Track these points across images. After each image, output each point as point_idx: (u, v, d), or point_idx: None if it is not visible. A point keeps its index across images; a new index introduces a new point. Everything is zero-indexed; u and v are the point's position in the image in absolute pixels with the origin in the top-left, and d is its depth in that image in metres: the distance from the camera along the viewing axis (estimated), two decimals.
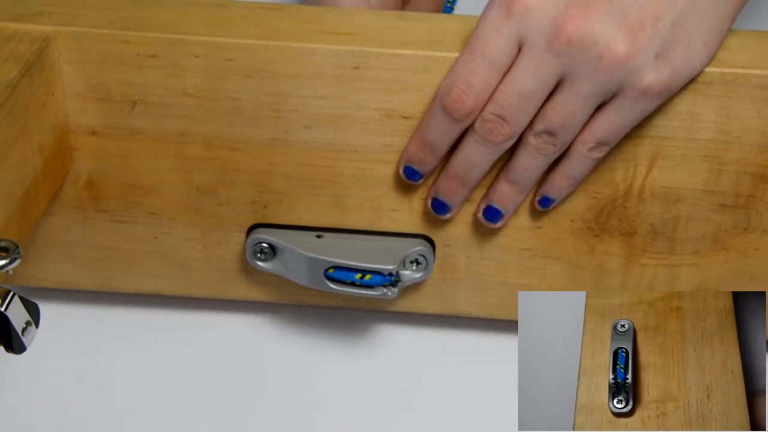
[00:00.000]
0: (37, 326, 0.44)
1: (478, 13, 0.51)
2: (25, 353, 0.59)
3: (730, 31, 0.53)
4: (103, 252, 0.59)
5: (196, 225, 0.58)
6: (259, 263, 0.58)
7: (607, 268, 0.58)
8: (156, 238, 0.59)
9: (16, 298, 0.43)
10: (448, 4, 0.68)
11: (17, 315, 0.43)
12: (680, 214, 0.55)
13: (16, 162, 0.49)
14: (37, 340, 0.56)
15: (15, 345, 0.44)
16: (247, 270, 0.59)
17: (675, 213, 0.55)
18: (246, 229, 0.58)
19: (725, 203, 0.55)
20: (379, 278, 0.55)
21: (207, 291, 0.61)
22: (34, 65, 0.51)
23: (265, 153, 0.55)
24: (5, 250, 0.43)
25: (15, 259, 0.43)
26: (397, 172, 0.55)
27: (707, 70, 0.52)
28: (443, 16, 0.56)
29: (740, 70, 0.52)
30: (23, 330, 0.44)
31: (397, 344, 0.61)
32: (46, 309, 0.61)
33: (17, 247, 0.43)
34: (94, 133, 0.56)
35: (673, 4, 0.49)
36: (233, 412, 0.58)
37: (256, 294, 0.61)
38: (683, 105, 0.52)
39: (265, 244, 0.57)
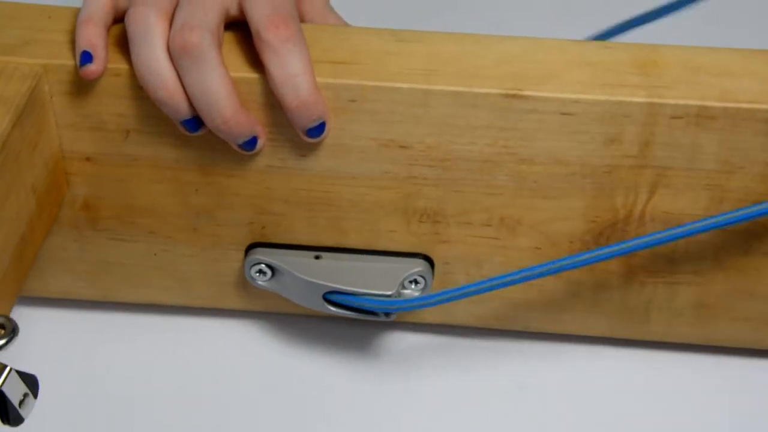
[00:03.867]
0: (35, 396, 0.45)
1: None
2: (24, 358, 0.60)
3: (736, 51, 0.52)
4: (103, 267, 0.59)
5: (195, 243, 0.58)
6: (259, 282, 0.58)
7: (606, 285, 0.57)
8: (155, 254, 0.59)
9: (13, 372, 0.43)
10: None
11: (14, 389, 0.43)
12: None
13: (9, 213, 0.49)
14: (36, 345, 0.57)
15: (12, 418, 0.44)
16: (246, 283, 0.59)
17: None
18: (244, 247, 0.58)
19: (726, 227, 0.54)
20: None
21: (206, 302, 0.61)
22: (24, 110, 0.50)
23: (261, 179, 0.55)
24: (2, 327, 0.43)
25: (12, 337, 0.43)
26: (395, 197, 0.55)
27: (710, 104, 0.51)
28: (440, 36, 0.54)
29: (744, 105, 0.51)
30: (20, 402, 0.44)
31: (396, 351, 0.62)
32: (45, 315, 0.62)
33: (13, 324, 0.43)
34: (88, 159, 0.55)
35: None
36: (231, 419, 0.58)
37: (255, 305, 0.61)
38: (686, 137, 0.52)
39: (263, 265, 0.57)
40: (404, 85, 0.51)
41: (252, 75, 0.52)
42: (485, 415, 0.59)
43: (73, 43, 0.53)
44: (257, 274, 0.57)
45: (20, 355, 0.59)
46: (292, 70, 0.50)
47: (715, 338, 0.60)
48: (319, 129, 0.52)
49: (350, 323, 0.62)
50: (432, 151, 0.53)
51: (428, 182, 0.54)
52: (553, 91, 0.51)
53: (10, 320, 0.43)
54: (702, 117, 0.51)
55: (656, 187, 0.53)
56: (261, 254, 0.57)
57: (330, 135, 0.53)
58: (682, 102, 0.51)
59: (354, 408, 0.59)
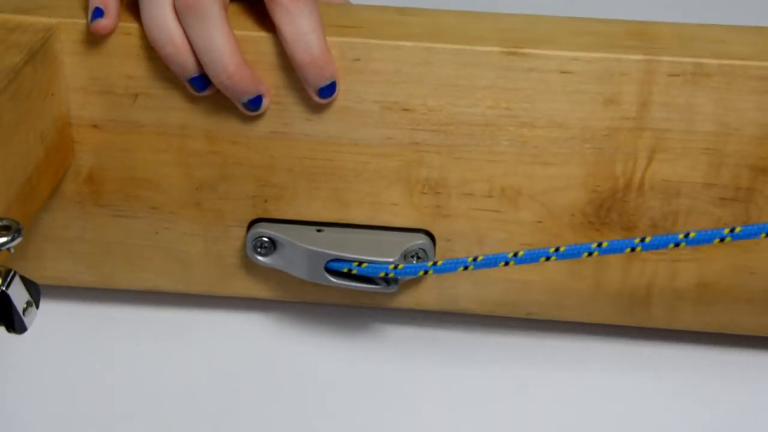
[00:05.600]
0: (37, 306, 0.44)
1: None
2: (24, 352, 0.59)
3: (729, 27, 0.54)
4: (103, 247, 0.59)
5: (197, 220, 0.58)
6: (259, 258, 0.58)
7: (608, 263, 0.58)
8: (156, 233, 0.59)
9: (18, 277, 0.43)
10: None
11: (18, 294, 0.43)
12: (680, 208, 0.56)
13: (19, 147, 0.50)
14: (36, 338, 0.56)
15: (16, 325, 0.44)
16: (248, 266, 0.59)
17: (675, 207, 0.56)
18: (246, 224, 0.58)
19: (725, 196, 0.55)
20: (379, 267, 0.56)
21: (207, 287, 0.61)
22: (37, 54, 0.51)
23: (265, 146, 0.56)
24: (6, 228, 0.43)
25: (16, 237, 0.43)
26: (397, 166, 0.55)
27: (705, 61, 0.52)
28: (442, 12, 0.56)
29: (738, 62, 0.52)
30: (24, 310, 0.44)
31: (398, 341, 0.61)
32: (45, 307, 0.61)
33: (18, 225, 0.43)
34: (95, 126, 0.56)
35: None
36: (233, 410, 0.57)
37: (256, 291, 0.61)
38: (682, 97, 0.53)
39: (265, 239, 0.57)
40: (408, 43, 0.53)
41: (259, 33, 0.53)
42: (485, 413, 0.58)
43: (86, 8, 0.54)
44: (258, 249, 0.57)
45: (20, 351, 0.59)
46: (303, 27, 0.52)
47: (716, 324, 0.59)
48: (330, 88, 0.53)
49: (350, 314, 0.62)
50: (434, 114, 0.54)
51: (430, 149, 0.55)
52: (553, 50, 0.53)
53: (16, 222, 0.43)
54: (698, 74, 0.52)
55: (655, 152, 0.54)
56: (263, 228, 0.57)
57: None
58: (678, 59, 0.52)
59: (353, 403, 0.58)
